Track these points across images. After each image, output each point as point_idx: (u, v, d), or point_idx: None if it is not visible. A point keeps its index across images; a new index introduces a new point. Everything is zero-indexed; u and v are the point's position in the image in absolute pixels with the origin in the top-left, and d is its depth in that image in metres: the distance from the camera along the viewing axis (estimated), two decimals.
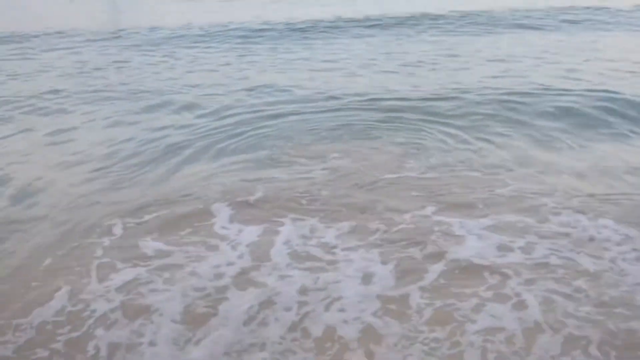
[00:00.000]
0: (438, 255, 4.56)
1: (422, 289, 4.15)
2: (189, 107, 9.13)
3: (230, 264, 4.50)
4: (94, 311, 4.01)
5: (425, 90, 9.64)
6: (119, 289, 4.27)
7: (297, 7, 22.34)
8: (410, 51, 13.51)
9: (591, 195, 5.54)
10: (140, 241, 4.95)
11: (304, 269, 4.44)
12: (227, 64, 12.70)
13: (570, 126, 7.64)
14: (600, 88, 9.22)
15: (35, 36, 17.47)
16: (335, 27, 17.48)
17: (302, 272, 4.40)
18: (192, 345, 3.70)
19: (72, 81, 11.32)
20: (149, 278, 4.40)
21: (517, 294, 4.07)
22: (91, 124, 8.49)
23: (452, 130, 7.60)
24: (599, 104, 8.46)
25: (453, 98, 9.04)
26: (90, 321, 3.91)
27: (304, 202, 5.55)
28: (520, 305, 3.96)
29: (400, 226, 5.02)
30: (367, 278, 4.29)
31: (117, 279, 4.39)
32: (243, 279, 4.32)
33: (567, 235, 4.82)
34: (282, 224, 5.13)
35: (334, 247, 4.73)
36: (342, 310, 3.96)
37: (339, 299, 4.06)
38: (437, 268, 4.40)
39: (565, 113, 8.17)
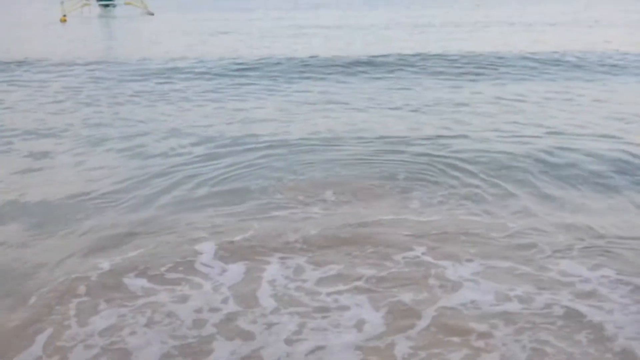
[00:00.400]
0: (429, 302, 4.47)
1: (408, 338, 4.07)
2: (176, 140, 9.02)
3: (213, 309, 4.39)
4: None
5: (428, 130, 9.47)
6: (100, 333, 4.15)
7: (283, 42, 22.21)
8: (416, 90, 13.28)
9: (591, 245, 5.39)
10: (124, 278, 4.85)
11: (291, 314, 4.34)
12: (218, 100, 12.50)
13: (575, 179, 7.20)
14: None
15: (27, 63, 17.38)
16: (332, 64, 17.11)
17: (289, 318, 4.30)
18: None
19: (60, 112, 11.28)
20: (132, 319, 4.30)
21: (506, 345, 4.00)
22: (72, 155, 8.37)
23: (453, 172, 7.39)
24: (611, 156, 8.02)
25: (459, 137, 8.91)
26: None
27: (291, 240, 5.47)
28: (512, 358, 3.88)
29: (392, 270, 4.94)
30: (355, 326, 4.19)
31: (98, 322, 4.27)
32: (227, 328, 4.20)
33: (566, 285, 4.70)
34: (268, 264, 5.05)
35: (322, 290, 4.64)
36: None
37: (323, 348, 3.97)
38: (427, 314, 4.31)
39: (573, 167, 7.66)
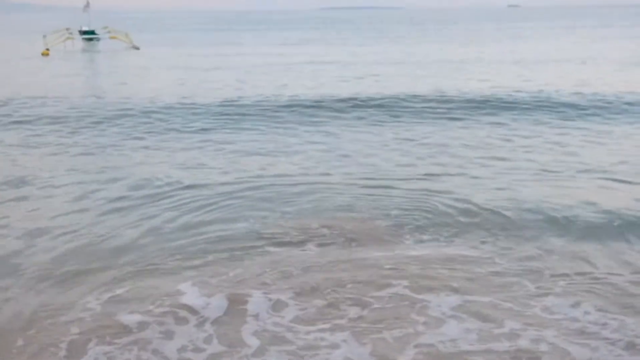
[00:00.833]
0: (412, 338, 4.43)
1: None
2: (164, 178, 8.76)
3: (196, 349, 4.30)
4: None
5: (417, 170, 9.22)
6: None
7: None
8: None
9: (574, 281, 5.39)
10: (113, 314, 4.81)
11: (275, 352, 4.26)
12: (208, 140, 11.79)
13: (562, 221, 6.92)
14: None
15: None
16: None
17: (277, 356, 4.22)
18: None
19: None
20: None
21: None
22: (59, 194, 8.21)
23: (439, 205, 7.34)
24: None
25: (444, 175, 8.79)
26: None
27: (276, 276, 5.42)
28: None
29: (375, 306, 4.89)
30: None
31: None
32: None
33: (550, 322, 4.67)
34: (253, 301, 4.98)
35: (305, 328, 4.58)
36: None
37: None
38: (409, 353, 4.25)
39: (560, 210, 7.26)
